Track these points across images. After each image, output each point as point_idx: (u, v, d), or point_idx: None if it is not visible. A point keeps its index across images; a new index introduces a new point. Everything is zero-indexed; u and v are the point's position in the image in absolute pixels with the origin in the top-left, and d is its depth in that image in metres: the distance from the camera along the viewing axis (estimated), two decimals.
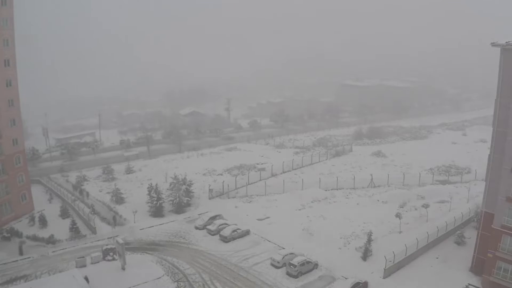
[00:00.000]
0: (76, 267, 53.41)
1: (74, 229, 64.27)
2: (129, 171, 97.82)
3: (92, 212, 71.20)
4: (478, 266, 52.02)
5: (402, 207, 73.09)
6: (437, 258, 56.77)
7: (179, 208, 74.22)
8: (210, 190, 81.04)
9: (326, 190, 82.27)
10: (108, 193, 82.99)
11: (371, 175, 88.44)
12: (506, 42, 45.22)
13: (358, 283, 49.53)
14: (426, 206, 69.02)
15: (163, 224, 69.65)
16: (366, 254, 56.78)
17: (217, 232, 64.41)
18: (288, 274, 53.14)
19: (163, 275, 52.99)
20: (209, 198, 79.91)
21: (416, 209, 71.70)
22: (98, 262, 55.37)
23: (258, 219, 70.40)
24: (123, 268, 53.58)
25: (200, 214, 71.82)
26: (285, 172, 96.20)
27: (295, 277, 52.46)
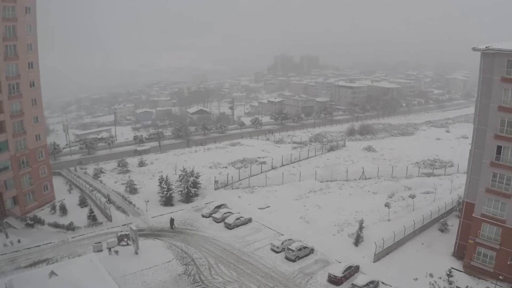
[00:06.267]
0: (94, 251, 53.50)
1: (91, 217, 64.28)
2: (141, 164, 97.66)
3: (108, 202, 71.24)
4: (460, 252, 52.01)
5: (391, 197, 72.94)
6: (422, 244, 56.68)
7: (187, 198, 74.17)
8: (216, 182, 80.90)
9: (321, 182, 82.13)
10: (122, 184, 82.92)
11: (363, 168, 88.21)
12: (486, 47, 45.02)
13: (350, 267, 49.46)
14: (412, 196, 68.87)
15: (172, 212, 69.49)
16: (358, 240, 56.74)
17: (222, 220, 64.35)
18: (286, 258, 53.13)
19: (172, 259, 53.02)
20: (215, 189, 79.77)
21: (403, 199, 71.52)
22: (113, 247, 55.42)
23: (259, 208, 70.35)
24: (136, 253, 53.65)
25: (207, 203, 71.64)
26: (284, 165, 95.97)
27: (293, 261, 52.47)
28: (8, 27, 62.17)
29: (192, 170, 76.87)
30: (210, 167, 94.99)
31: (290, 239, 55.83)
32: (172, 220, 63.07)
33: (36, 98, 69.75)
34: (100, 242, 55.63)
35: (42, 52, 71.78)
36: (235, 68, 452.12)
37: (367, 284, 45.82)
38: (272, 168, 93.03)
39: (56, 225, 62.25)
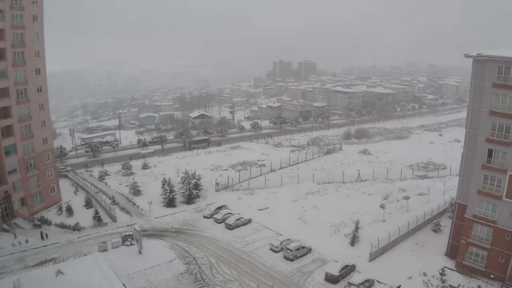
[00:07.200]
0: (99, 251, 53.50)
1: (96, 217, 64.35)
2: (145, 166, 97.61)
3: (113, 203, 71.23)
4: (453, 251, 52.02)
5: (386, 199, 72.93)
6: (416, 244, 56.68)
7: (189, 199, 74.16)
8: (217, 184, 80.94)
9: (318, 184, 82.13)
10: (126, 186, 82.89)
11: (359, 170, 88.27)
12: (477, 53, 45.17)
13: (346, 266, 49.46)
14: (407, 198, 68.90)
15: (175, 213, 69.62)
16: (354, 240, 56.77)
17: (222, 220, 64.39)
18: (285, 257, 53.15)
19: (175, 258, 53.05)
20: (216, 191, 79.79)
21: (398, 200, 71.55)
22: (118, 246, 55.40)
23: (259, 209, 70.36)
24: (140, 252, 53.64)
25: (208, 204, 71.74)
26: (283, 168, 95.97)
27: (291, 260, 52.49)
28: (16, 34, 62.37)
29: (194, 173, 76.85)
30: (211, 170, 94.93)
31: (289, 239, 55.88)
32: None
33: (43, 103, 69.89)
34: (105, 242, 55.67)
35: (49, 57, 71.83)
36: (236, 74, 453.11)
37: (362, 283, 45.84)
38: (271, 171, 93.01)
39: (62, 226, 62.29)
